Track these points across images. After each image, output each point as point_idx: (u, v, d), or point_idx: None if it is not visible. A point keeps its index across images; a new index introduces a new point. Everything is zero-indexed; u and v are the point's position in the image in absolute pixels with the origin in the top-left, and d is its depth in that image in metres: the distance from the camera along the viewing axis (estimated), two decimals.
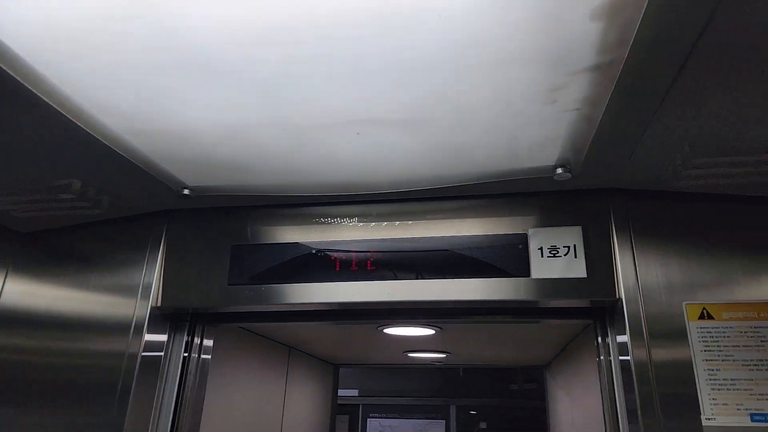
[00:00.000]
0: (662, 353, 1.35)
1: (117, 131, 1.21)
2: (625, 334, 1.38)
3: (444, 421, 6.84)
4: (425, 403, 6.89)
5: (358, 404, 7.08)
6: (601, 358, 1.55)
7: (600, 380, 1.56)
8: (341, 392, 7.09)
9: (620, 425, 1.42)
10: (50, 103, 1.07)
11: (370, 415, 7.02)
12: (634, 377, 1.34)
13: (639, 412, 1.31)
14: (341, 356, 3.31)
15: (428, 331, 2.19)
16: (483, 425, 8.12)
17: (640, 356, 1.34)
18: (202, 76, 1.01)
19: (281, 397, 2.71)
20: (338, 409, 6.84)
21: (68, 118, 1.13)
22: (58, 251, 1.73)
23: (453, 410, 6.84)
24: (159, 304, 1.61)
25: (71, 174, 1.43)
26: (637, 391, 1.32)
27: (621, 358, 1.44)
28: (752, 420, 1.28)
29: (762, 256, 1.38)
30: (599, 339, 1.58)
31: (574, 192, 1.51)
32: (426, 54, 0.93)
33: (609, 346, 1.52)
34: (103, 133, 1.21)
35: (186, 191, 1.52)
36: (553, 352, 2.98)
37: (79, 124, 1.15)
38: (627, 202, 1.48)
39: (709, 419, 1.30)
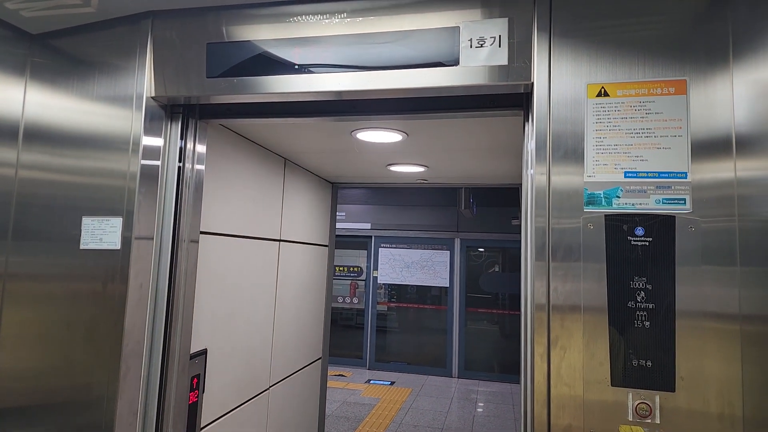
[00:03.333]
0: (560, 128, 1.60)
1: None
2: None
3: (449, 252, 7.49)
4: (432, 236, 7.50)
5: (371, 236, 7.77)
6: (524, 144, 1.80)
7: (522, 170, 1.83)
8: (355, 225, 7.76)
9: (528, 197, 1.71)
10: None
11: (382, 245, 7.72)
12: (533, 153, 1.61)
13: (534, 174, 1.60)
14: (335, 174, 3.66)
15: (396, 136, 2.47)
16: (496, 268, 8.82)
17: (541, 130, 1.60)
18: None
19: (278, 208, 3.10)
20: (353, 242, 7.53)
21: None
22: (64, 57, 2.01)
23: (457, 243, 7.45)
24: (153, 94, 1.91)
25: None
26: (534, 162, 1.60)
27: (531, 142, 1.68)
28: (625, 176, 1.56)
29: (664, 42, 1.55)
30: (524, 129, 1.82)
31: None
32: None
33: (528, 134, 1.76)
34: None
35: None
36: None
37: None
38: None
39: (590, 176, 1.58)
